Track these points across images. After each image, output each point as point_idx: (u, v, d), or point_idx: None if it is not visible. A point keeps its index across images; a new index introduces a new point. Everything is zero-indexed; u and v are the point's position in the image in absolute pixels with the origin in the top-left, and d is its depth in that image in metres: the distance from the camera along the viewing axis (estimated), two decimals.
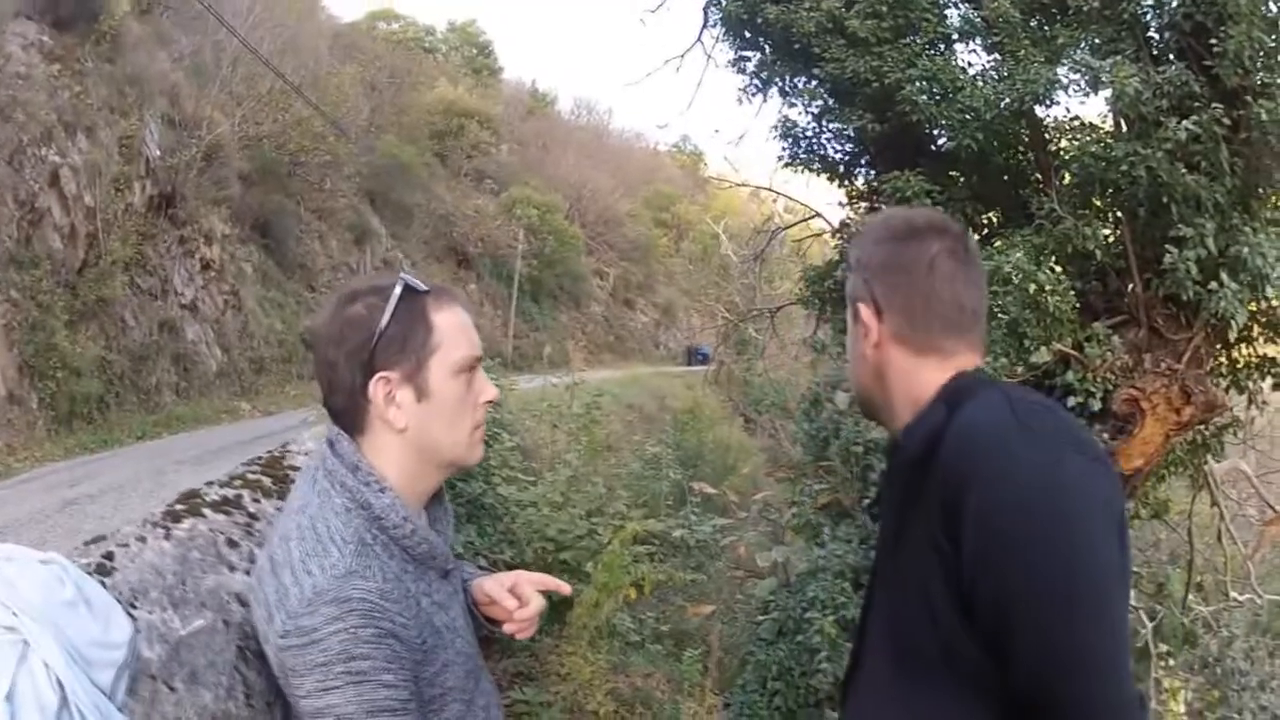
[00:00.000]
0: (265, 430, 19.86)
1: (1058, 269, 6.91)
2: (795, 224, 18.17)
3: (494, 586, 2.15)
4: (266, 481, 3.81)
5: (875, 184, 9.99)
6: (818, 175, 11.16)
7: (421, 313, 1.82)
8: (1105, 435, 6.98)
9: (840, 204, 11.80)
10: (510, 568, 9.38)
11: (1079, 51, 7.45)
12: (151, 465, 14.56)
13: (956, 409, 1.64)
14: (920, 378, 1.76)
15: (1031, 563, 1.47)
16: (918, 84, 8.56)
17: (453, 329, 1.87)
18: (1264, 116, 6.35)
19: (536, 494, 10.21)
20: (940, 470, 1.59)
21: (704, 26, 11.69)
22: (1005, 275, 6.82)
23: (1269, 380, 7.59)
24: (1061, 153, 8.02)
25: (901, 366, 1.78)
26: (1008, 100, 7.69)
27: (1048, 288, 6.70)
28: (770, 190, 19.24)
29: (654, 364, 53.79)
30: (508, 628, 2.12)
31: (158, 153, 21.25)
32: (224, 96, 26.44)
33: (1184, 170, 6.47)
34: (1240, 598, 9.31)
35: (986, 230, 9.46)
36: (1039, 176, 8.53)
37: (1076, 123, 7.90)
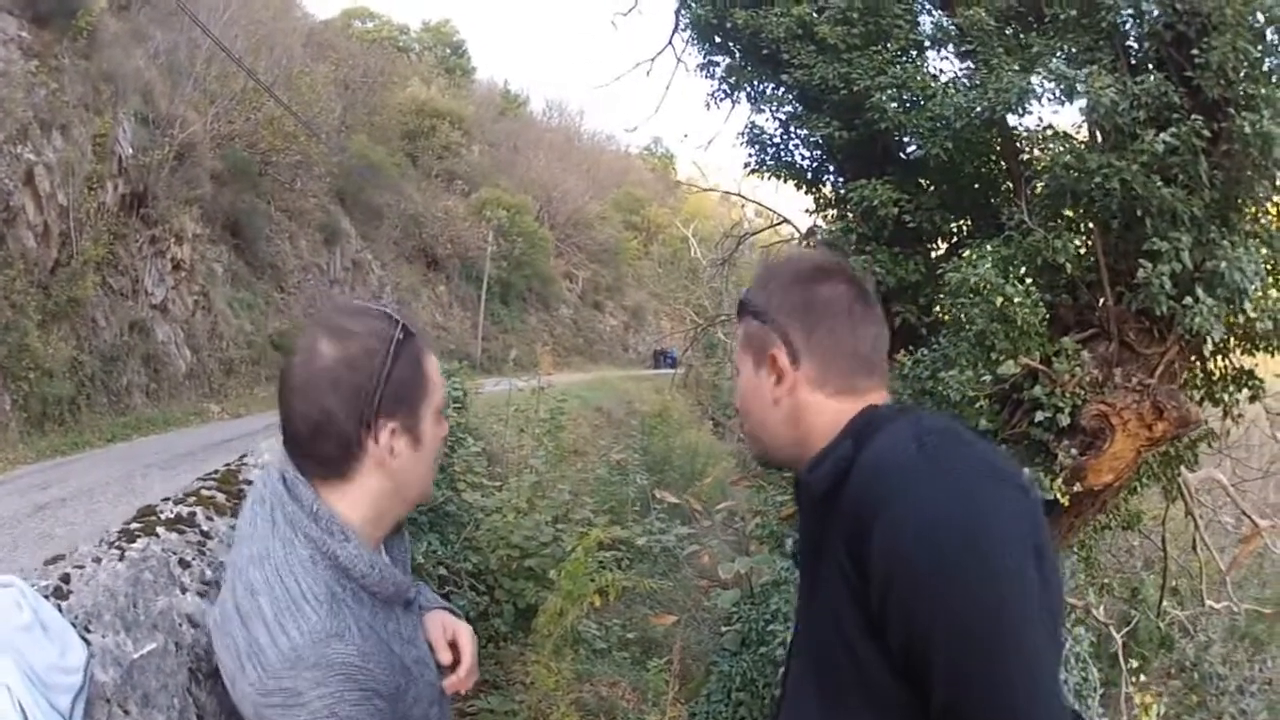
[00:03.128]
0: (233, 433, 19.78)
1: (1026, 281, 6.75)
2: (764, 229, 18.26)
3: (436, 635, 2.06)
4: (220, 498, 3.84)
5: (842, 192, 9.98)
6: (784, 182, 11.18)
7: (417, 358, 1.80)
8: (1074, 450, 6.89)
9: (808, 211, 11.92)
10: (474, 576, 9.51)
11: (1054, 60, 7.29)
12: (121, 469, 14.49)
13: (865, 443, 1.64)
14: (839, 420, 1.73)
15: (940, 596, 1.46)
16: (887, 92, 8.54)
17: (435, 374, 1.85)
18: (1247, 129, 6.22)
19: (501, 499, 10.24)
20: (847, 502, 1.59)
21: (675, 30, 11.66)
22: (973, 286, 6.75)
23: (1245, 393, 7.47)
24: (1034, 162, 7.87)
25: (819, 410, 1.75)
26: (979, 109, 7.63)
27: (1016, 300, 6.59)
28: (739, 196, 19.45)
29: (622, 367, 53.75)
30: (448, 683, 2.03)
31: (130, 151, 21.07)
32: (197, 95, 26.26)
33: (1160, 183, 6.36)
34: (1217, 605, 9.18)
35: (955, 239, 9.53)
36: (1010, 185, 8.49)
37: (1050, 132, 7.69)
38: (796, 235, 14.45)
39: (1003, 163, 8.82)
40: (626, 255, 63.05)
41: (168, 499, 3.97)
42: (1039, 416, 6.90)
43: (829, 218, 10.61)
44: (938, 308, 8.42)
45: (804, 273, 1.82)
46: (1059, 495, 6.77)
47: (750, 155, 10.80)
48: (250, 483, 4.02)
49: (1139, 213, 6.50)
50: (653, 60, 13.51)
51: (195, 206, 24.25)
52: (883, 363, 1.81)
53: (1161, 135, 6.25)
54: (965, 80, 8.49)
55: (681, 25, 11.48)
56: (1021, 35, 8.43)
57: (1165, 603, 9.66)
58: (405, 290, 40.62)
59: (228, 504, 3.65)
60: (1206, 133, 6.27)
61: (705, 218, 48.25)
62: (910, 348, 9.06)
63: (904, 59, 9.20)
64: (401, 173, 43.65)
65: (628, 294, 63.55)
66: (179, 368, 22.37)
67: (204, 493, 3.88)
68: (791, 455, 1.81)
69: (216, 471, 4.79)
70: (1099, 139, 6.92)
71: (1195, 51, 6.41)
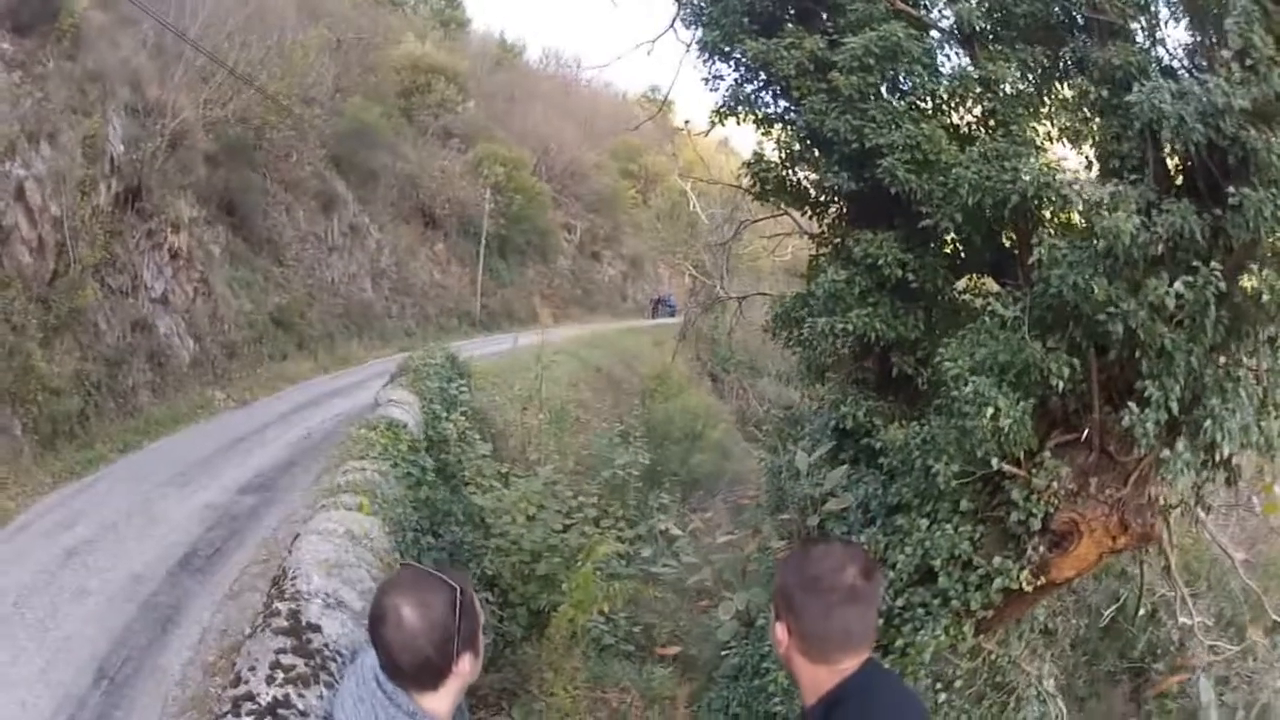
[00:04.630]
0: (242, 428, 20.07)
1: (1015, 395, 6.77)
2: (764, 218, 18.23)
3: None
4: (301, 666, 4.33)
5: (847, 229, 9.88)
6: (789, 206, 11.17)
7: (472, 605, 2.63)
8: (1042, 548, 7.13)
9: (809, 235, 11.88)
10: (490, 584, 9.75)
11: (1081, 173, 7.25)
12: (139, 492, 14.74)
13: (832, 710, 2.45)
14: (815, 678, 2.52)
15: None
16: (899, 154, 8.40)
17: (479, 608, 2.69)
18: (1266, 296, 6.08)
19: (509, 501, 10.47)
20: None
21: (676, 16, 11.41)
22: (966, 396, 6.81)
23: (1221, 473, 7.30)
24: (1045, 256, 7.28)
25: (802, 668, 2.55)
26: (996, 187, 7.50)
27: (1003, 409, 6.63)
28: (739, 188, 19.39)
29: (621, 317, 53.65)
30: None
31: (121, 148, 20.83)
32: (189, 76, 25.88)
33: (1164, 329, 6.24)
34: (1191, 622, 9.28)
35: (961, 310, 9.42)
36: (1017, 263, 8.37)
37: (1063, 241, 7.08)
38: (798, 230, 14.43)
39: (1014, 246, 8.75)
40: (624, 204, 62.55)
41: (255, 667, 4.40)
42: (1013, 517, 7.08)
43: (830, 251, 10.47)
44: (932, 370, 8.35)
45: (807, 581, 2.54)
46: (1024, 585, 7.11)
47: (753, 181, 10.71)
48: (316, 627, 4.69)
49: (1137, 352, 6.46)
50: (653, 43, 13.34)
51: (190, 191, 24.08)
52: (865, 642, 2.53)
53: (1176, 286, 6.09)
54: (982, 151, 8.11)
55: (682, 12, 11.19)
56: (1044, 93, 8.57)
57: (1140, 612, 9.79)
58: (403, 251, 40.45)
59: (309, 671, 4.26)
60: (1222, 285, 6.08)
61: (703, 164, 47.82)
62: (904, 400, 9.36)
63: (917, 114, 9.07)
64: (397, 132, 43.23)
65: (626, 243, 63.13)
66: (183, 359, 22.24)
67: (284, 662, 4.32)
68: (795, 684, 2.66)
69: (278, 611, 5.16)
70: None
71: (1230, 190, 6.08)
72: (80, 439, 16.92)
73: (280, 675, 4.20)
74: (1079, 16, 8.33)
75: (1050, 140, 8.49)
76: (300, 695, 4.06)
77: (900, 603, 7.55)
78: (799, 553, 2.81)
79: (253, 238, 28.83)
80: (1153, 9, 7.84)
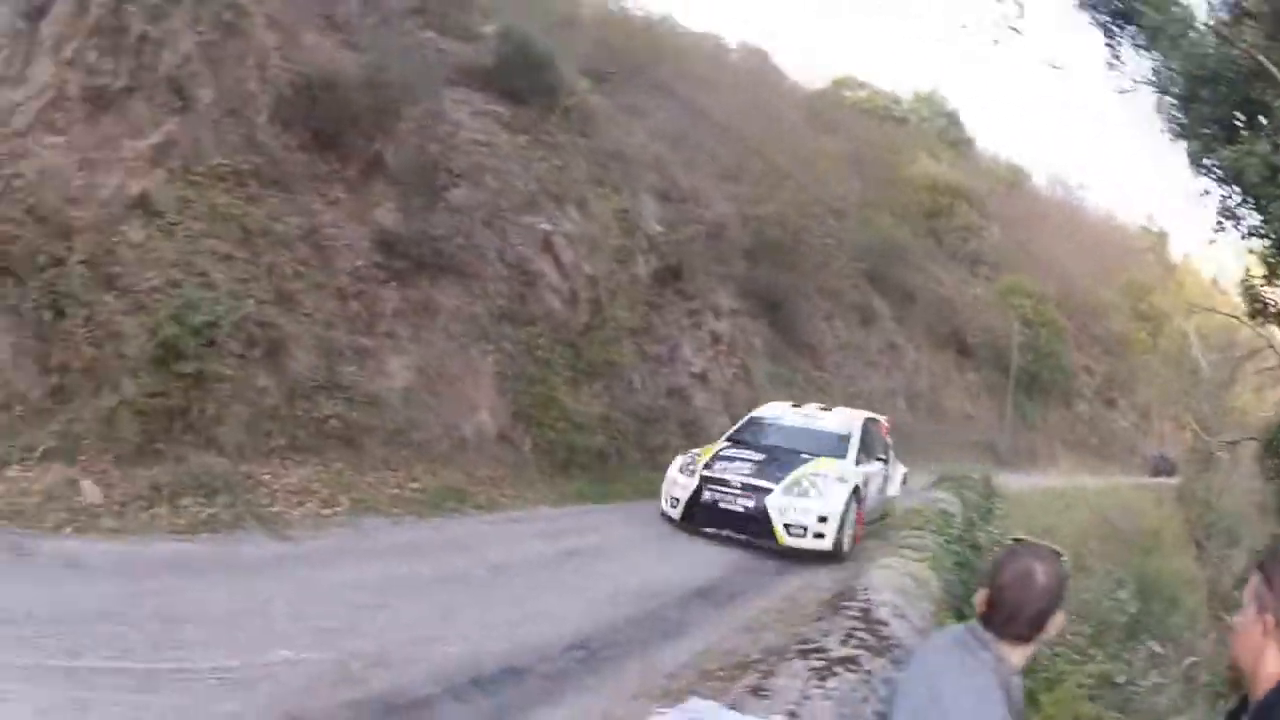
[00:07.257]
0: None
1: None
2: (1260, 350, 16.98)
3: None
4: (872, 640, 5.10)
5: None
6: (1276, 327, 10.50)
7: (1068, 574, 3.13)
8: None
9: None
10: None
11: None
12: (656, 529, 14.46)
13: None
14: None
15: None
16: None
17: None
18: None
19: None
20: None
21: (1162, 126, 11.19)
22: None
23: None
24: None
25: (1273, 657, 2.33)
26: None
27: None
28: (1242, 320, 17.79)
29: (1129, 472, 50.26)
30: None
31: (658, 228, 22.01)
32: (714, 171, 27.21)
33: None
34: None
35: None
36: None
37: None
38: None
39: None
40: (1137, 348, 59.20)
41: (827, 633, 5.20)
42: None
43: None
44: None
45: None
46: None
47: (1246, 302, 10.23)
48: (884, 623, 5.49)
49: None
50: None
51: (730, 282, 25.21)
52: None
53: None
54: None
55: (1164, 123, 10.86)
56: None
57: None
58: (938, 376, 40.18)
59: (878, 645, 4.99)
60: None
61: (1205, 300, 44.23)
62: None
63: None
64: (927, 254, 43.50)
65: (1138, 391, 59.34)
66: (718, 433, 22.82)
67: (857, 633, 5.15)
68: (1244, 679, 2.46)
69: (850, 605, 5.73)
70: None
71: None
72: (595, 472, 17.40)
73: (853, 641, 4.98)
74: None
75: None
76: (869, 658, 4.68)
77: None
78: None
79: (793, 339, 29.49)
80: None
